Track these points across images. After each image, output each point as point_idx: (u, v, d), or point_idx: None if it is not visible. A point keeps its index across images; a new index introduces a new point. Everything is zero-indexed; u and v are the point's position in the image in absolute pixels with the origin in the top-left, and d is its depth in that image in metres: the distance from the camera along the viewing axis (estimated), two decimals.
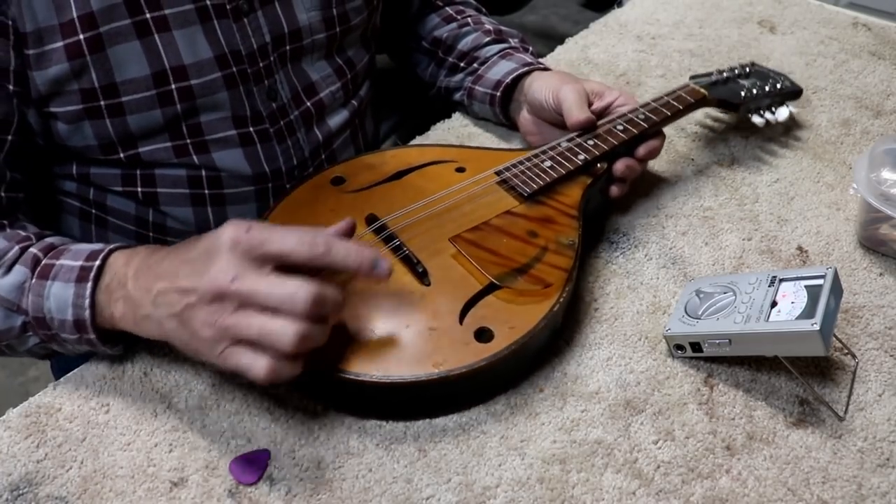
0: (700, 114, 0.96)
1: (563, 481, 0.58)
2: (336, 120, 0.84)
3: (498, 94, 0.88)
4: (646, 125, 0.78)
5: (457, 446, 0.60)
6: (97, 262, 0.60)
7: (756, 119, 0.88)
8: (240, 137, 0.75)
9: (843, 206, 0.83)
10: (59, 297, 0.60)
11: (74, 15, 0.64)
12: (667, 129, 0.93)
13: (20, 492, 0.57)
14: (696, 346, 0.65)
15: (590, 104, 0.81)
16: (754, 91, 0.88)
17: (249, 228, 0.53)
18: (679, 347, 0.66)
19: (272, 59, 0.75)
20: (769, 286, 0.65)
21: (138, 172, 0.74)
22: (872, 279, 0.75)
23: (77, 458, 0.59)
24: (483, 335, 0.60)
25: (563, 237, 0.69)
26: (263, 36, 0.73)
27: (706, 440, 0.61)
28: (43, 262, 0.62)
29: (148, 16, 0.67)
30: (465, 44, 0.94)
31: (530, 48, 0.95)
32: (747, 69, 0.91)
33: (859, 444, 0.61)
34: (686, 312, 0.67)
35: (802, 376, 0.64)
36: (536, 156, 0.76)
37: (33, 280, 0.61)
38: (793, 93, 0.91)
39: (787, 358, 0.63)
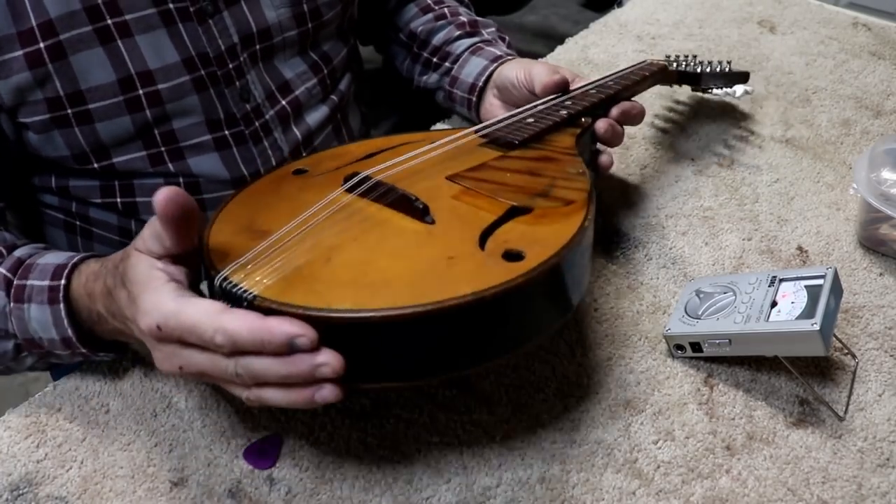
0: (700, 113, 0.96)
1: (563, 481, 0.58)
2: (315, 117, 0.82)
3: (474, 98, 0.87)
4: (618, 87, 0.77)
5: (457, 446, 0.60)
6: (63, 282, 0.59)
7: (716, 91, 0.90)
8: (214, 142, 0.74)
9: (843, 206, 0.83)
10: (39, 319, 0.59)
11: (33, 23, 0.63)
12: (668, 129, 0.94)
13: (20, 492, 0.57)
14: (696, 346, 0.65)
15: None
16: (709, 68, 0.88)
17: (159, 328, 0.49)
18: (679, 347, 0.66)
19: (242, 59, 0.74)
20: (769, 286, 0.65)
21: (116, 183, 0.74)
22: (872, 279, 0.75)
23: (77, 458, 0.59)
24: (512, 256, 0.50)
25: (570, 168, 0.63)
26: (231, 37, 0.72)
27: (706, 440, 0.61)
28: (14, 284, 0.61)
29: (109, 22, 0.65)
30: (437, 39, 0.92)
31: (506, 38, 0.94)
32: (694, 56, 0.92)
33: (859, 444, 0.61)
34: (686, 312, 0.67)
35: (802, 376, 0.64)
36: (514, 115, 0.72)
37: (11, 304, 0.60)
38: (741, 74, 0.92)
39: (787, 358, 0.63)
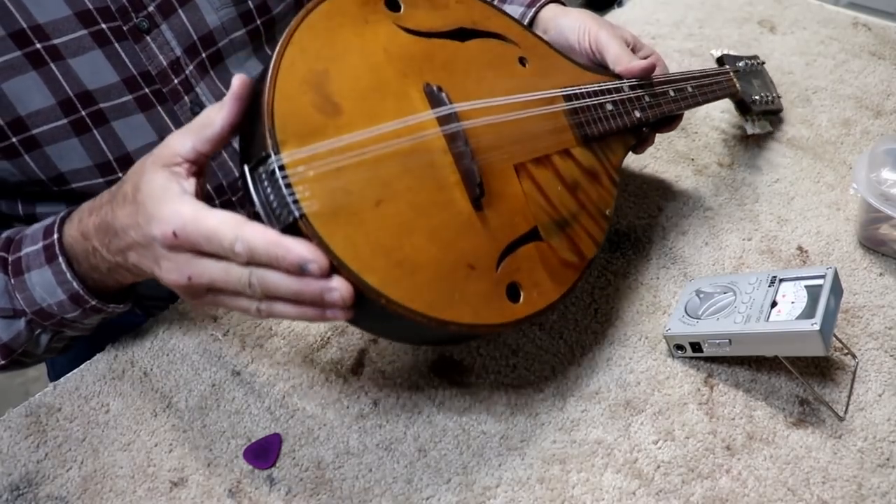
0: (700, 113, 0.96)
1: (563, 481, 0.58)
2: None
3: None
4: (692, 101, 0.76)
5: (457, 446, 0.60)
6: (55, 236, 0.59)
7: (748, 126, 0.88)
8: None
9: (843, 206, 0.83)
10: (43, 283, 0.59)
11: None
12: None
13: (20, 492, 0.57)
14: (696, 346, 0.65)
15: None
16: (757, 98, 0.88)
17: (175, 235, 0.49)
18: (679, 347, 0.66)
19: (188, 72, 0.70)
20: (769, 286, 0.65)
21: None
22: (872, 279, 0.75)
23: (77, 458, 0.59)
24: (512, 293, 0.55)
25: (602, 204, 0.66)
26: (173, 50, 0.68)
27: (706, 440, 0.61)
28: (10, 260, 0.61)
29: (38, 46, 0.62)
30: None
31: None
32: (761, 63, 0.92)
33: (859, 444, 0.61)
34: (686, 312, 0.67)
35: (802, 376, 0.64)
36: (601, 92, 0.69)
37: (11, 280, 0.60)
38: (776, 111, 0.93)
39: (787, 358, 0.63)
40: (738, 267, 0.76)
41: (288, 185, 0.46)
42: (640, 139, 0.73)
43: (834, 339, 0.66)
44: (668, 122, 0.76)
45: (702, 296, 0.68)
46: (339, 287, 0.47)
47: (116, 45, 0.65)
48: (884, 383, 0.65)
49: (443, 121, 0.55)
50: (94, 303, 0.60)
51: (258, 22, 0.74)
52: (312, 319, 0.49)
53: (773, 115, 0.93)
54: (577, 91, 0.66)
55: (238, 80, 0.49)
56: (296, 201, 0.46)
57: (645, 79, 0.72)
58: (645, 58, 0.74)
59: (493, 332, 0.54)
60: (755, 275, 0.68)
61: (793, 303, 0.62)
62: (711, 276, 0.74)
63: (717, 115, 0.96)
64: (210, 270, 0.49)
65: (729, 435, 0.61)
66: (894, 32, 1.13)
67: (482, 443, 0.60)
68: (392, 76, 0.54)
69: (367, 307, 0.49)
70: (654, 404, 0.63)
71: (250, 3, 0.72)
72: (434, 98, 0.55)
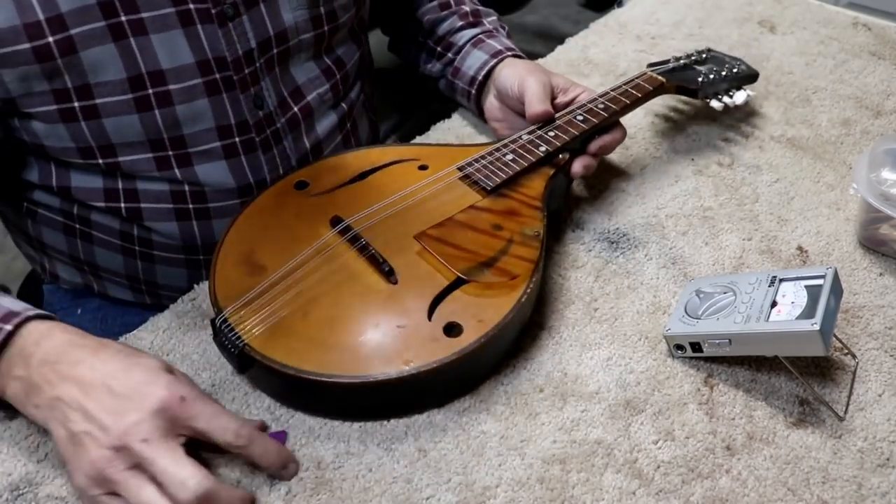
0: (700, 113, 0.96)
1: (563, 481, 0.58)
2: (325, 125, 0.82)
3: (474, 91, 0.89)
4: (605, 114, 0.78)
5: (457, 446, 0.60)
6: (8, 328, 0.56)
7: (714, 103, 0.89)
8: (224, 149, 0.74)
9: (843, 206, 0.83)
10: None
11: (41, 17, 0.62)
12: (668, 129, 0.94)
13: (20, 492, 0.57)
14: (696, 346, 0.65)
15: (553, 98, 0.81)
16: (711, 76, 0.88)
17: (183, 399, 0.54)
18: (679, 347, 0.66)
19: (258, 65, 0.73)
20: (769, 286, 0.65)
21: (121, 187, 0.73)
22: (872, 279, 0.75)
23: None
24: (452, 330, 0.60)
25: (527, 228, 0.69)
26: (249, 41, 0.71)
27: (706, 440, 0.61)
28: None
29: (123, 18, 0.64)
30: (441, 28, 0.93)
31: (505, 28, 0.96)
32: (703, 55, 0.92)
33: (859, 444, 0.61)
34: (686, 312, 0.67)
35: (802, 376, 0.64)
36: (498, 149, 0.76)
37: None
38: (749, 76, 0.92)
39: (787, 358, 0.63)
40: (738, 267, 0.76)
41: (231, 329, 0.60)
42: (560, 166, 0.76)
43: (834, 339, 0.66)
44: (598, 134, 0.78)
45: (702, 296, 0.68)
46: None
47: (199, 26, 0.68)
48: (884, 383, 0.65)
49: (342, 232, 0.67)
50: None
51: (325, 28, 0.78)
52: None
53: (744, 82, 0.92)
54: (471, 160, 0.75)
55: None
56: (238, 338, 0.60)
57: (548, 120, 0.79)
58: (572, 100, 0.81)
59: (449, 367, 0.58)
60: (755, 275, 0.68)
61: (793, 303, 0.62)
62: (711, 276, 0.74)
63: (718, 115, 0.96)
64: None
65: (729, 435, 0.61)
66: (894, 32, 1.13)
67: (482, 443, 0.60)
68: (303, 228, 0.68)
69: (328, 394, 0.59)
70: (654, 404, 0.63)
71: (322, 8, 0.77)
72: (335, 223, 0.68)
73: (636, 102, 0.82)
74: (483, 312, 0.61)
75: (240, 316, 0.61)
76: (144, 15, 0.65)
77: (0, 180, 0.75)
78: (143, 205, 0.74)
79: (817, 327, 0.58)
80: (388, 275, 0.64)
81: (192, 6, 0.67)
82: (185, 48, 0.68)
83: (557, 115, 0.79)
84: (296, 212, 0.70)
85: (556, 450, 0.60)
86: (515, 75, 0.83)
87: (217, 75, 0.70)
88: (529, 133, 0.78)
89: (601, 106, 0.79)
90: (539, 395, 0.64)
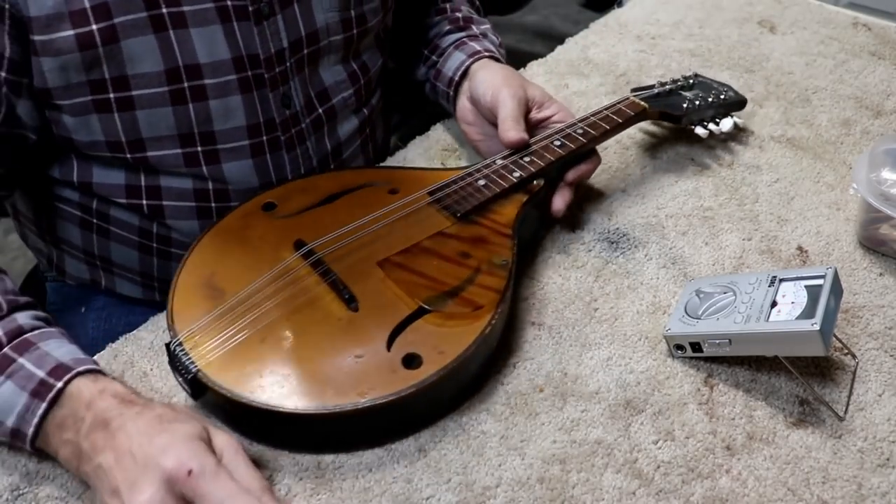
0: None
1: (563, 481, 0.58)
2: (346, 128, 0.83)
3: (451, 92, 0.87)
4: (584, 140, 0.76)
5: (457, 446, 0.60)
6: (59, 385, 0.55)
7: (699, 130, 0.86)
8: (251, 148, 0.74)
9: (843, 206, 0.83)
10: (8, 400, 0.55)
11: (87, 5, 0.63)
12: (668, 129, 0.94)
13: (20, 492, 0.57)
14: (696, 346, 0.65)
15: (528, 111, 0.79)
16: (697, 103, 0.86)
17: (190, 473, 0.50)
18: (679, 347, 0.66)
19: (289, 64, 0.74)
20: (769, 286, 0.65)
21: (143, 184, 0.73)
22: (872, 279, 0.75)
23: None
24: (412, 362, 0.58)
25: (495, 257, 0.67)
26: (282, 41, 0.72)
27: (706, 440, 0.61)
28: (3, 352, 0.57)
29: (164, 11, 0.66)
30: (431, 33, 0.93)
31: (497, 39, 0.93)
32: (690, 80, 0.90)
33: (859, 444, 0.61)
34: (686, 312, 0.67)
35: (802, 376, 0.64)
36: (471, 174, 0.74)
37: None
38: (737, 103, 0.91)
39: (787, 358, 0.63)
40: (738, 267, 0.76)
41: (185, 354, 0.58)
42: (534, 193, 0.74)
43: (834, 339, 0.66)
44: (576, 161, 0.76)
45: (702, 296, 0.68)
46: None
47: (236, 23, 0.69)
48: (884, 383, 0.65)
49: (305, 256, 0.65)
50: (26, 448, 0.56)
51: (354, 31, 0.79)
52: None
53: (732, 109, 0.90)
54: (442, 184, 0.73)
55: None
56: (192, 362, 0.58)
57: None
58: (547, 118, 0.79)
59: (406, 400, 0.57)
60: (755, 275, 0.68)
61: (793, 303, 0.62)
62: (711, 276, 0.74)
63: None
64: None
65: (729, 435, 0.61)
66: (894, 32, 1.13)
67: (482, 443, 0.60)
68: (266, 251, 0.67)
69: (280, 425, 0.57)
70: (654, 404, 0.63)
71: (353, 11, 0.78)
72: (298, 247, 0.66)
73: (617, 128, 0.80)
74: (444, 344, 0.59)
75: (195, 341, 0.59)
76: (185, 8, 0.66)
77: (21, 173, 0.75)
78: (165, 202, 0.75)
79: (817, 327, 0.58)
80: (349, 302, 0.62)
81: (230, 2, 0.68)
82: (223, 43, 0.69)
83: (534, 140, 0.77)
84: (261, 234, 0.69)
85: (556, 450, 0.60)
86: (490, 83, 0.80)
87: (249, 72, 0.71)
88: (504, 158, 0.75)
89: (580, 131, 0.77)
90: (539, 395, 0.64)
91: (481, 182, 0.73)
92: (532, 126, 0.79)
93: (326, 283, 0.64)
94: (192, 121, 0.70)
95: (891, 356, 0.67)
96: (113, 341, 0.68)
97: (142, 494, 0.49)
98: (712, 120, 0.88)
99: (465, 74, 0.86)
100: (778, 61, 1.06)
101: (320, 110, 0.79)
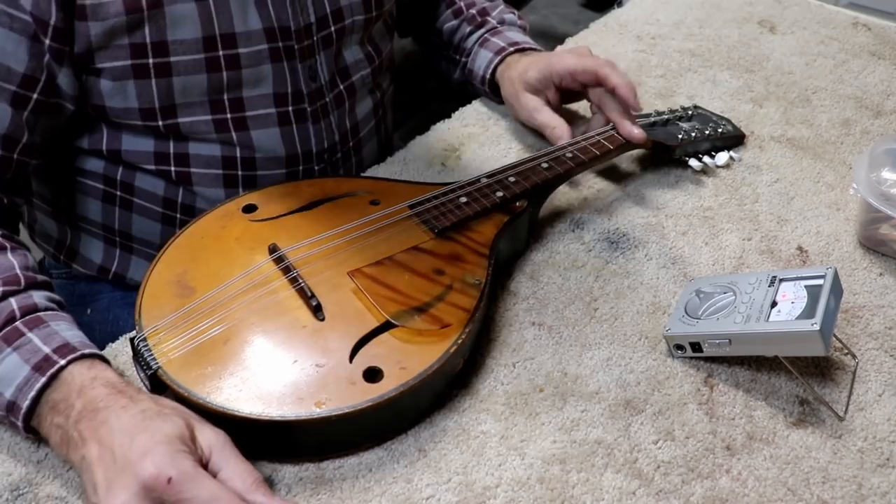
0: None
1: (563, 481, 0.58)
2: (363, 107, 0.87)
3: (487, 88, 0.95)
4: (572, 164, 0.77)
5: (457, 446, 0.60)
6: (61, 362, 0.56)
7: (693, 163, 0.85)
8: (278, 116, 0.77)
9: (843, 206, 0.83)
10: (10, 371, 0.56)
11: None
12: None
13: (20, 492, 0.57)
14: (696, 346, 0.65)
15: (559, 88, 0.86)
16: (693, 134, 0.86)
17: (170, 481, 0.49)
18: (679, 347, 0.66)
19: (315, 39, 0.77)
20: (769, 286, 0.65)
21: (171, 151, 0.75)
22: (872, 279, 0.75)
23: None
24: (375, 376, 0.58)
25: (469, 276, 0.66)
26: (310, 16, 0.76)
27: (706, 440, 0.61)
28: (15, 325, 0.58)
29: None
30: (456, 37, 0.98)
31: (515, 14, 0.99)
32: (689, 111, 0.90)
33: (859, 444, 0.61)
34: (686, 312, 0.67)
35: (802, 376, 0.64)
36: (453, 191, 0.74)
37: None
38: (735, 137, 0.90)
39: (787, 358, 0.63)
40: (738, 267, 0.76)
41: (148, 350, 0.58)
42: (516, 214, 0.73)
43: (834, 339, 0.66)
44: (560, 183, 0.79)
45: (702, 296, 0.68)
46: None
47: None
48: (884, 383, 0.65)
49: (277, 262, 0.65)
50: (18, 424, 0.57)
51: (373, 12, 0.84)
52: None
53: (729, 143, 0.89)
54: (423, 198, 0.73)
55: None
56: (153, 358, 0.58)
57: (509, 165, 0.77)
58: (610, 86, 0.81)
59: (363, 413, 0.56)
60: (755, 275, 0.68)
61: (793, 303, 0.62)
62: (711, 276, 0.74)
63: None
64: None
65: (729, 435, 0.61)
66: (894, 32, 1.13)
67: (482, 443, 0.60)
68: (240, 253, 0.66)
69: (236, 429, 0.56)
70: (654, 404, 0.63)
71: None
72: (271, 251, 0.66)
73: (607, 154, 0.80)
74: (407, 360, 0.59)
75: (159, 337, 0.59)
76: None
77: (52, 144, 0.74)
78: (192, 169, 0.77)
79: (817, 327, 0.58)
80: (316, 310, 0.61)
81: None
82: (255, 14, 0.72)
83: (520, 160, 0.77)
84: (237, 235, 0.68)
85: (556, 450, 0.60)
86: (511, 87, 0.88)
87: (280, 43, 0.74)
88: (489, 176, 0.75)
89: (569, 155, 0.77)
90: (539, 395, 0.64)
91: (463, 199, 0.72)
92: (594, 98, 0.85)
93: (295, 289, 0.63)
94: (223, 88, 0.73)
95: (891, 356, 0.67)
96: (113, 341, 0.68)
97: (116, 499, 0.50)
98: (707, 153, 0.87)
99: (495, 71, 0.93)
100: (778, 61, 1.06)
101: (342, 86, 0.82)
